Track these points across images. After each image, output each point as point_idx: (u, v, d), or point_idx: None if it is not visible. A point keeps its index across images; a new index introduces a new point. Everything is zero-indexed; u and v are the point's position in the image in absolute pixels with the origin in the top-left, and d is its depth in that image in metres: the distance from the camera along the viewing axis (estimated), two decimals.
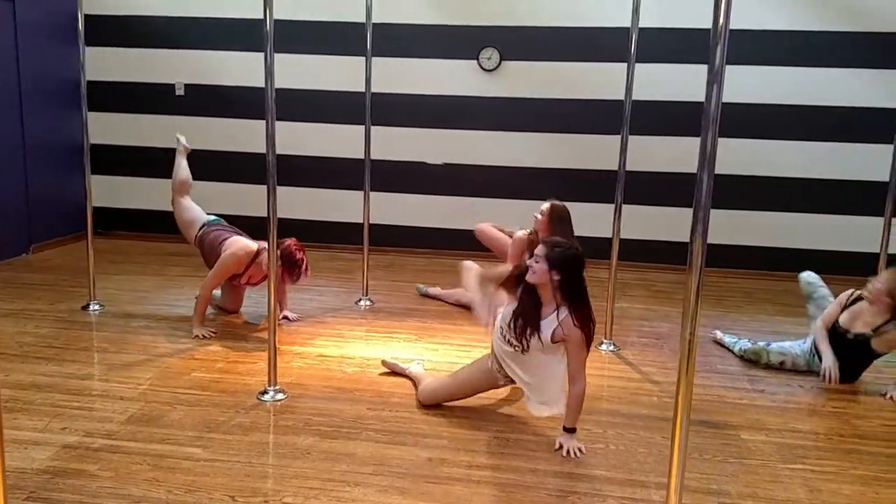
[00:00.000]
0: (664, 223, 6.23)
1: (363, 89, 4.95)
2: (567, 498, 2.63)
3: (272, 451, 2.91)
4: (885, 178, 4.59)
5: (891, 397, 3.67)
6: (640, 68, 4.23)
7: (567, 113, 6.30)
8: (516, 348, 3.07)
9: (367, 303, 5.07)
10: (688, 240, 1.93)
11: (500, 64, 6.35)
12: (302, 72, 6.51)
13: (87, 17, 4.79)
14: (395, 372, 3.75)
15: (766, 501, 2.66)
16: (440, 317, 4.82)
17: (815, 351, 3.93)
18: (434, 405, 3.36)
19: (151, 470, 2.71)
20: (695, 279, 1.92)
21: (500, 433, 3.13)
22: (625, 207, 4.24)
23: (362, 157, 5.06)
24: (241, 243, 4.35)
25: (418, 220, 6.64)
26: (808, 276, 4.44)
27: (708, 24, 1.83)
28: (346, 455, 2.88)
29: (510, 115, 6.39)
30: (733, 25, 1.82)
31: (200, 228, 4.58)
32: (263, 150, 3.29)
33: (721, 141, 2.00)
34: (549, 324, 3.00)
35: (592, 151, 6.21)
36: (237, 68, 6.57)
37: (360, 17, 4.91)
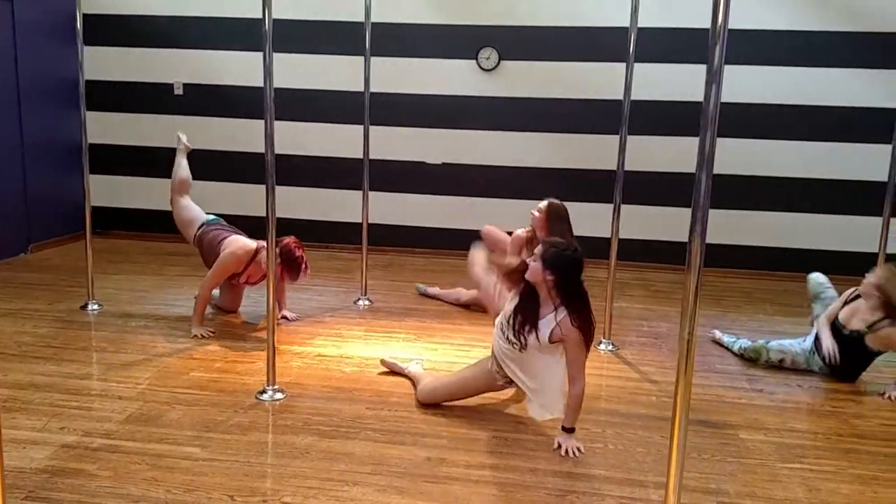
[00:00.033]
0: (663, 223, 6.23)
1: (362, 89, 4.96)
2: (566, 497, 2.63)
3: (271, 451, 2.91)
4: (885, 178, 4.59)
5: (889, 397, 3.67)
6: (639, 68, 4.24)
7: (566, 113, 6.30)
8: (514, 345, 3.06)
9: (366, 302, 5.06)
10: (686, 240, 1.93)
11: (498, 64, 6.35)
12: (301, 71, 6.51)
13: (85, 16, 4.79)
14: (393, 371, 3.75)
15: (764, 501, 2.66)
16: (439, 316, 4.82)
17: (815, 349, 3.94)
18: (433, 405, 3.36)
19: (150, 469, 2.71)
20: (693, 279, 1.92)
21: (499, 432, 3.12)
22: (624, 207, 4.25)
23: (361, 156, 5.06)
24: (240, 242, 4.35)
25: (417, 220, 6.64)
26: (817, 277, 4.50)
27: (707, 24, 1.83)
28: (344, 454, 2.88)
29: (509, 115, 6.39)
30: (732, 25, 1.82)
31: (199, 228, 4.58)
32: (263, 150, 3.29)
33: (720, 141, 2.00)
34: (547, 323, 3.00)
35: (591, 151, 6.21)
36: (237, 68, 6.57)
37: (359, 17, 4.91)
